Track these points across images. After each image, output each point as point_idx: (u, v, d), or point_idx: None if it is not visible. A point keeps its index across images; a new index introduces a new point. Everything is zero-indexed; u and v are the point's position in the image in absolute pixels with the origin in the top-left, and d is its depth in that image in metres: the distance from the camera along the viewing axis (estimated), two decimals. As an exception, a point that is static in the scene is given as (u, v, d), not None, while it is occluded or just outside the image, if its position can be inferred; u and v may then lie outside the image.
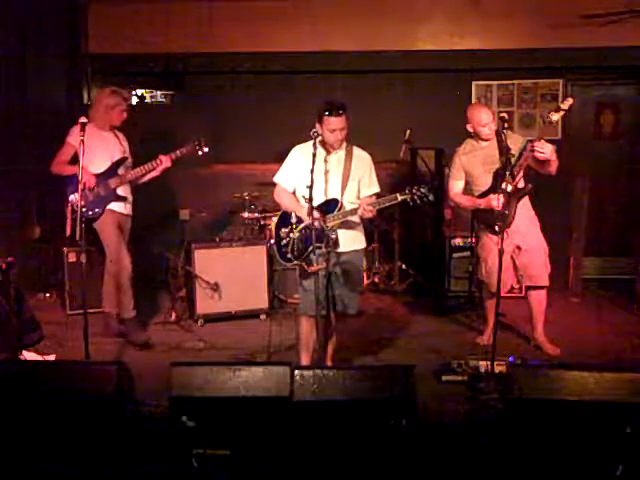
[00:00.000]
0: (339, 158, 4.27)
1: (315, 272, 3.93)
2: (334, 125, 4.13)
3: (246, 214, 6.26)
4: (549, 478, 3.07)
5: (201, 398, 3.10)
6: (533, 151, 4.48)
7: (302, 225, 4.17)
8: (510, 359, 4.44)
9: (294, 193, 4.35)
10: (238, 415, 3.10)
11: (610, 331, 5.37)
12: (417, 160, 6.72)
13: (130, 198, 5.24)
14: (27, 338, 4.95)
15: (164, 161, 5.13)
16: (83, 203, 4.62)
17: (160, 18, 6.89)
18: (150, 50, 6.92)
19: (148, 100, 7.92)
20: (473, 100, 7.23)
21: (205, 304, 5.74)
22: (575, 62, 6.99)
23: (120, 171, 5.14)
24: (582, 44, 6.76)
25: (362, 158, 4.34)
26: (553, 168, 4.61)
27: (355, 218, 4.27)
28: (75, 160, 4.88)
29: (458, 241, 6.35)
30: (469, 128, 4.86)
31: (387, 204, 4.18)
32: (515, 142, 4.67)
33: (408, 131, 6.51)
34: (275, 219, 4.52)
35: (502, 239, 4.19)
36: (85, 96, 6.93)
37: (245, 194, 6.31)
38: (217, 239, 5.94)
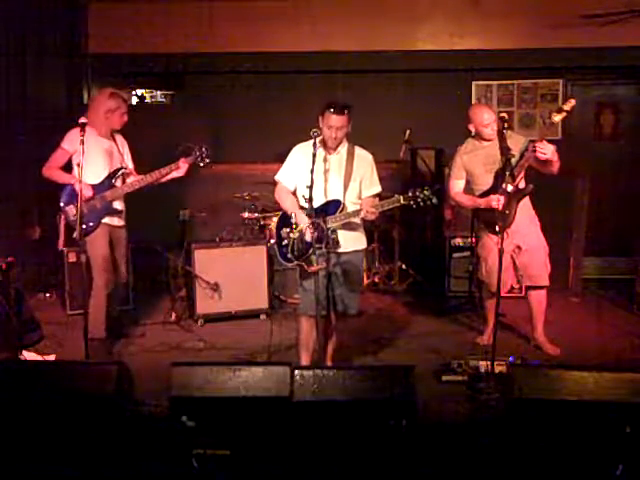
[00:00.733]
0: (340, 158, 4.27)
1: (315, 272, 3.93)
2: (332, 122, 4.13)
3: (246, 214, 6.26)
4: (549, 478, 3.08)
5: (201, 398, 3.10)
6: (535, 151, 4.49)
7: (302, 225, 4.16)
8: (510, 359, 4.44)
9: (295, 192, 4.35)
10: (238, 415, 3.10)
11: (610, 331, 5.37)
12: (417, 160, 6.73)
13: (124, 208, 5.02)
14: (27, 338, 4.95)
15: (178, 170, 4.96)
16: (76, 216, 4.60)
17: (160, 18, 6.89)
18: (150, 50, 6.93)
19: (148, 100, 7.93)
20: (473, 100, 7.23)
21: (205, 304, 5.74)
22: (575, 62, 6.99)
23: (117, 182, 4.91)
24: (582, 44, 6.76)
25: (364, 158, 4.34)
26: (555, 168, 4.62)
27: (356, 219, 4.27)
28: (67, 166, 4.79)
29: (458, 241, 6.35)
30: (471, 128, 4.86)
31: (390, 206, 4.18)
32: (516, 142, 4.67)
33: (408, 131, 6.52)
34: (275, 219, 4.52)
35: (502, 239, 4.19)
36: (85, 96, 6.93)
37: (245, 194, 6.32)
38: (217, 239, 5.93)
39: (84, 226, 4.61)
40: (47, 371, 3.39)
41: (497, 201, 4.68)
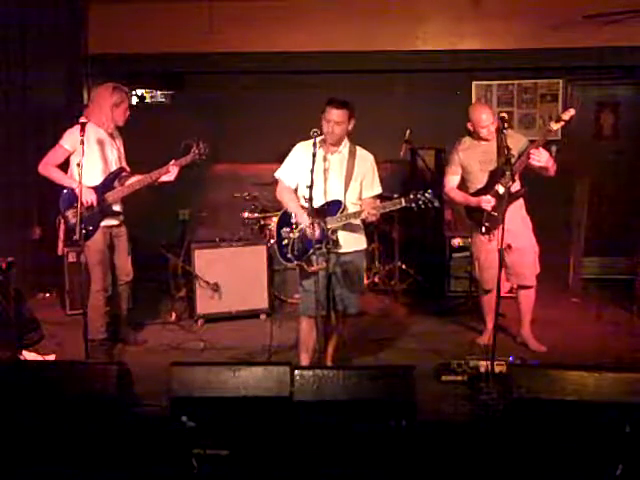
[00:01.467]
0: (342, 158, 4.27)
1: (315, 272, 3.94)
2: (331, 116, 4.14)
3: (246, 214, 6.26)
4: (549, 478, 3.08)
5: (201, 398, 3.10)
6: (529, 158, 4.56)
7: (302, 226, 4.17)
8: (510, 359, 4.45)
9: (296, 190, 4.35)
10: (238, 415, 3.10)
11: (610, 331, 5.38)
12: (417, 160, 6.72)
13: (121, 208, 4.94)
14: (27, 338, 4.96)
15: (168, 174, 4.89)
16: (76, 221, 4.54)
17: (160, 18, 6.90)
18: (150, 50, 6.93)
19: (148, 100, 7.93)
20: (473, 100, 7.23)
21: (205, 304, 5.74)
22: (575, 62, 6.99)
23: (117, 183, 4.82)
24: (582, 44, 6.77)
25: (365, 158, 4.34)
26: (551, 172, 4.69)
27: (357, 220, 4.27)
28: (64, 165, 4.71)
29: (458, 241, 6.35)
30: (469, 126, 4.87)
31: (392, 208, 4.17)
32: (516, 141, 4.68)
33: (408, 131, 6.50)
34: (275, 219, 4.52)
35: (502, 239, 4.19)
36: (85, 96, 6.93)
37: (245, 194, 6.32)
38: (217, 239, 5.93)
39: (83, 230, 4.50)
40: (47, 371, 3.39)
41: (487, 202, 4.74)
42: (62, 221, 4.70)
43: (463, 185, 5.01)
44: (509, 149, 4.29)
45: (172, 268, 6.11)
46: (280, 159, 4.44)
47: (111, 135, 4.88)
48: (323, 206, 4.16)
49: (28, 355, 4.69)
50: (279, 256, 4.37)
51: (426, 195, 4.05)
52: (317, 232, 3.95)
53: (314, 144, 3.94)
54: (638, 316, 5.78)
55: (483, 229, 4.83)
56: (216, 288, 5.73)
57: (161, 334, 5.52)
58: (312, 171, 3.88)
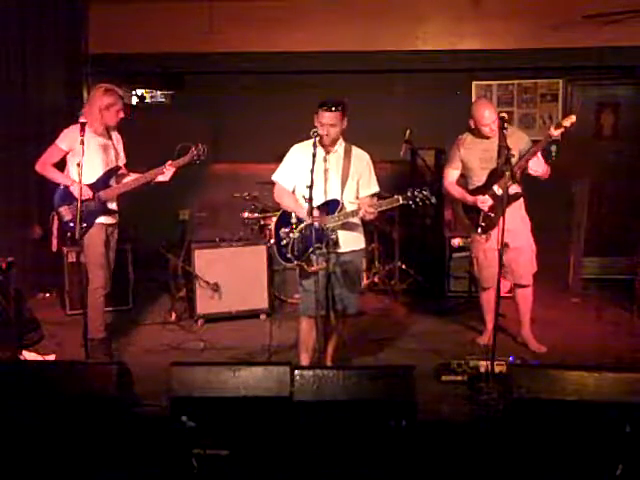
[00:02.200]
0: (337, 157, 4.27)
1: (315, 272, 3.94)
2: (324, 119, 4.15)
3: (246, 214, 6.26)
4: (549, 478, 3.08)
5: (201, 398, 3.10)
6: (527, 164, 4.61)
7: (302, 225, 4.16)
8: (510, 359, 4.45)
9: (293, 192, 4.35)
10: (238, 415, 3.10)
11: (610, 331, 5.38)
12: (417, 160, 6.72)
13: (116, 207, 4.93)
14: (27, 338, 4.96)
15: (163, 175, 4.85)
16: (70, 217, 4.61)
17: (160, 18, 6.90)
18: (150, 50, 6.93)
19: (148, 100, 7.93)
20: (473, 100, 7.23)
21: (205, 304, 5.74)
22: (575, 62, 6.99)
23: (112, 182, 4.82)
24: (582, 44, 6.76)
25: (361, 157, 4.34)
26: (543, 178, 4.71)
27: (355, 219, 4.27)
28: (61, 164, 4.74)
29: (458, 241, 6.35)
30: (470, 123, 4.86)
31: (389, 206, 4.17)
32: (517, 140, 4.68)
33: (408, 131, 6.50)
34: (275, 219, 4.52)
35: (502, 239, 4.20)
36: (85, 96, 6.92)
37: (245, 194, 6.32)
38: (217, 239, 5.93)
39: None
40: (47, 371, 3.38)
41: (483, 203, 4.76)
42: (55, 217, 4.71)
43: (463, 181, 5.01)
44: (509, 149, 4.30)
45: (172, 268, 6.10)
46: (280, 159, 4.44)
47: (105, 135, 4.82)
48: (321, 205, 4.16)
49: (28, 355, 4.69)
50: (278, 257, 4.37)
51: (423, 192, 4.06)
52: (316, 232, 3.95)
53: (314, 144, 3.94)
54: (638, 316, 5.78)
55: (479, 229, 4.86)
56: (216, 288, 5.73)
57: (161, 334, 5.52)
58: (312, 171, 3.88)
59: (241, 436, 3.07)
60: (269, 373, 3.13)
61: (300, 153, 4.30)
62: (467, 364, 4.39)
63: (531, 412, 3.10)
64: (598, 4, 6.57)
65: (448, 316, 5.89)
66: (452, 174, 4.99)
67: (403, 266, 6.65)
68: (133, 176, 4.90)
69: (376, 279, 6.66)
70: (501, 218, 4.48)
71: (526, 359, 4.64)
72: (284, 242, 4.25)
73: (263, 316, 5.85)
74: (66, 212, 4.66)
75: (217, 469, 3.05)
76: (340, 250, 4.21)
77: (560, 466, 3.04)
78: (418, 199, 4.06)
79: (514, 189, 4.71)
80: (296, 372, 3.11)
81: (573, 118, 4.58)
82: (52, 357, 4.71)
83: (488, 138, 4.79)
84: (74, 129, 4.63)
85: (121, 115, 4.82)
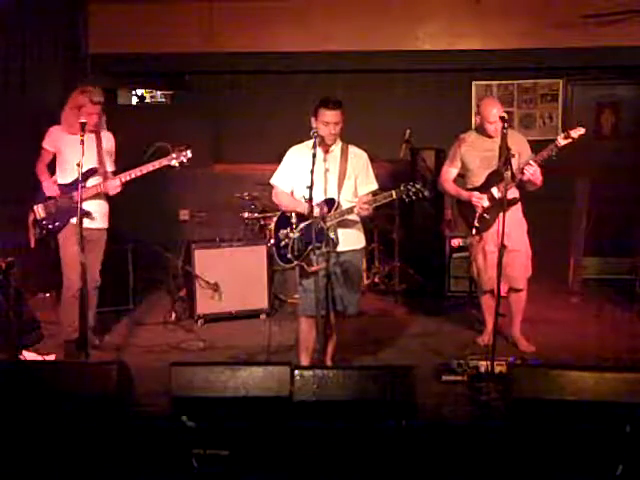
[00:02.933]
0: (335, 157, 4.28)
1: (315, 272, 3.94)
2: (328, 118, 4.15)
3: (246, 214, 6.26)
4: (549, 478, 3.08)
5: (201, 398, 3.10)
6: (522, 173, 4.62)
7: (302, 225, 4.17)
8: (510, 359, 4.45)
9: (292, 194, 4.36)
10: (238, 415, 3.10)
11: (610, 331, 5.37)
12: (417, 160, 6.72)
13: (102, 210, 4.82)
14: (27, 338, 4.96)
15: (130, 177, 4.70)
16: (44, 215, 4.64)
17: (160, 18, 6.90)
18: (150, 50, 6.93)
19: (148, 100, 7.93)
20: (473, 100, 7.25)
21: (205, 304, 5.74)
22: (575, 62, 6.99)
23: (89, 182, 4.68)
24: (582, 44, 6.77)
25: (358, 156, 4.35)
26: (537, 184, 4.71)
27: (354, 217, 4.28)
28: (54, 163, 4.78)
29: (458, 241, 6.35)
30: (476, 120, 4.86)
31: (383, 201, 4.20)
32: (517, 142, 4.68)
33: (408, 131, 6.52)
34: (275, 219, 4.52)
35: (502, 239, 4.20)
36: (85, 96, 6.92)
37: (245, 194, 6.32)
38: (217, 239, 5.94)
39: (50, 225, 4.70)
40: (47, 371, 3.38)
41: (479, 199, 4.74)
42: (30, 214, 4.75)
43: (461, 181, 5.01)
44: (509, 149, 4.30)
45: (172, 268, 6.11)
46: (280, 159, 4.44)
47: (84, 135, 4.53)
48: (319, 203, 4.16)
49: (28, 355, 4.69)
50: (278, 259, 4.36)
51: (416, 186, 4.10)
52: (316, 231, 3.95)
53: (314, 145, 3.95)
54: (638, 316, 5.78)
55: (473, 230, 4.87)
56: (216, 288, 5.74)
57: (161, 334, 5.52)
58: (312, 171, 3.88)
59: (241, 436, 3.07)
60: (269, 373, 3.12)
61: (297, 155, 4.31)
62: (467, 364, 4.39)
63: (531, 412, 3.09)
64: (598, 4, 6.58)
65: (448, 316, 5.89)
66: (449, 172, 5.00)
67: (403, 266, 6.65)
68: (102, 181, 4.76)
69: (376, 279, 6.67)
70: (496, 220, 4.50)
71: (526, 359, 4.63)
72: (283, 243, 4.25)
73: (263, 316, 5.85)
74: (38, 210, 4.72)
75: (217, 469, 3.05)
76: (340, 249, 4.21)
77: (560, 466, 3.04)
78: (411, 192, 4.09)
79: (512, 193, 4.68)
80: (296, 372, 3.10)
81: (582, 130, 4.54)
82: (52, 357, 4.71)
83: (491, 138, 4.78)
84: (55, 129, 4.77)
85: (95, 119, 4.65)
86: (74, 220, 4.62)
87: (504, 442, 3.20)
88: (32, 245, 4.85)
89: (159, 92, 7.92)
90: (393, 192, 4.12)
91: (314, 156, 3.91)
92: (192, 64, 7.14)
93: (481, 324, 5.27)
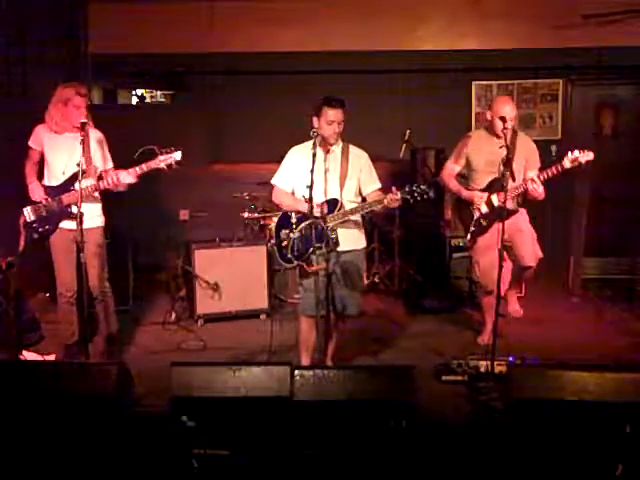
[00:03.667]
0: (335, 157, 4.28)
1: (315, 272, 3.94)
2: (332, 117, 4.16)
3: (246, 214, 6.25)
4: (549, 478, 3.08)
5: (201, 398, 3.10)
6: (527, 187, 4.64)
7: (303, 225, 4.18)
8: (510, 359, 4.45)
9: (292, 193, 4.36)
10: (238, 415, 3.10)
11: (610, 331, 5.38)
12: (417, 160, 6.72)
13: (94, 209, 4.61)
14: (27, 338, 4.96)
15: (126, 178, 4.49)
16: (34, 218, 4.54)
17: (160, 18, 6.90)
18: (150, 50, 6.93)
19: (148, 100, 7.93)
20: (473, 100, 7.25)
21: (205, 304, 5.74)
22: (575, 62, 7.00)
23: (76, 185, 4.27)
24: (582, 44, 6.77)
25: (358, 156, 4.36)
26: (539, 198, 4.73)
27: (356, 218, 4.28)
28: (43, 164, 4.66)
29: (458, 241, 6.35)
30: (488, 116, 4.84)
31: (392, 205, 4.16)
32: (528, 148, 4.76)
33: (408, 131, 6.52)
34: (275, 219, 4.53)
35: (502, 240, 4.21)
36: (85, 96, 6.92)
37: (245, 194, 6.31)
38: (217, 239, 5.93)
39: (41, 229, 4.56)
40: (47, 371, 3.39)
41: (480, 198, 4.80)
42: (21, 217, 4.63)
43: (463, 181, 5.02)
44: (509, 148, 4.30)
45: (172, 268, 6.11)
46: (280, 159, 4.44)
47: (72, 135, 4.50)
48: (321, 204, 4.16)
49: (28, 355, 4.69)
50: (278, 258, 4.36)
51: (421, 187, 4.08)
52: (316, 231, 3.95)
53: (314, 144, 3.95)
54: (638, 316, 5.78)
55: (469, 235, 4.90)
56: (216, 288, 5.74)
57: (161, 334, 5.52)
58: (312, 171, 3.89)
59: (241, 436, 3.07)
60: (269, 373, 3.13)
61: (298, 155, 4.31)
62: (467, 364, 4.39)
63: (531, 412, 3.10)
64: (598, 4, 6.58)
65: (448, 316, 5.88)
66: (453, 168, 5.00)
67: (403, 266, 6.65)
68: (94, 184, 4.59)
69: (376, 279, 6.66)
70: (493, 226, 4.51)
71: (526, 359, 4.63)
72: (284, 243, 4.26)
73: (263, 316, 5.85)
74: (29, 213, 4.59)
75: (217, 469, 3.05)
76: (340, 249, 4.21)
77: (560, 466, 3.04)
78: (416, 194, 4.07)
79: (511, 205, 4.70)
80: (296, 372, 3.11)
81: (591, 156, 4.54)
82: (52, 357, 4.71)
83: (499, 138, 4.69)
84: (40, 128, 4.64)
85: (82, 113, 4.42)
86: (63, 224, 4.53)
87: (504, 442, 3.20)
88: (21, 248, 4.72)
89: (159, 92, 7.91)
90: (399, 192, 4.11)
91: (314, 155, 3.91)
92: (192, 64, 7.14)
93: (481, 324, 5.27)
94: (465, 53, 6.96)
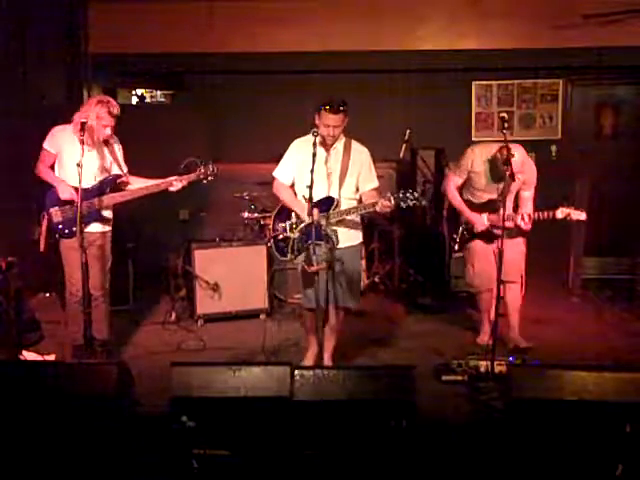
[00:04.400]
0: (337, 153, 4.30)
1: (316, 272, 3.95)
2: (330, 121, 4.15)
3: (246, 214, 6.26)
4: (549, 478, 3.08)
5: (201, 398, 3.10)
6: (516, 221, 4.72)
7: (302, 225, 4.19)
8: (510, 359, 4.45)
9: (293, 186, 4.39)
10: (238, 415, 3.10)
11: (610, 331, 5.38)
12: (417, 160, 6.73)
13: (111, 214, 4.70)
14: (27, 338, 4.96)
15: (172, 187, 4.67)
16: (61, 219, 4.47)
17: (160, 18, 6.90)
18: (150, 50, 6.93)
19: (148, 100, 7.93)
20: (473, 100, 7.26)
21: (205, 304, 5.74)
22: (575, 62, 7.00)
23: (109, 190, 4.57)
24: (582, 44, 6.77)
25: (360, 152, 4.37)
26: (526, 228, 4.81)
27: (352, 216, 4.29)
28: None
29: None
30: (498, 151, 4.76)
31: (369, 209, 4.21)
32: (528, 170, 4.77)
33: (408, 131, 6.52)
34: (274, 212, 4.56)
35: (502, 241, 4.21)
36: (85, 96, 6.92)
37: (245, 194, 6.31)
38: (217, 239, 5.93)
39: (67, 230, 4.48)
40: (47, 371, 3.38)
41: (481, 226, 4.88)
42: (46, 218, 4.54)
43: (469, 185, 5.02)
44: (509, 149, 4.30)
45: (172, 268, 6.10)
46: (280, 159, 4.45)
47: (96, 144, 4.57)
48: (317, 203, 4.18)
49: (28, 355, 4.69)
50: (275, 251, 4.42)
51: (414, 194, 4.08)
52: (317, 221, 3.97)
53: (314, 144, 3.95)
54: (638, 316, 5.78)
55: (455, 245, 5.01)
56: (216, 288, 5.73)
57: (161, 334, 5.52)
58: (312, 171, 3.89)
59: (241, 436, 3.07)
60: (269, 373, 3.13)
61: (300, 148, 4.33)
62: (467, 364, 4.39)
63: (531, 412, 3.10)
64: (598, 4, 6.58)
65: (448, 316, 5.88)
66: (455, 180, 5.00)
67: (403, 266, 6.65)
68: (136, 186, 4.69)
69: (376, 279, 6.66)
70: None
71: (526, 359, 4.63)
72: (281, 237, 4.31)
73: (263, 316, 5.85)
74: (56, 214, 4.51)
75: (217, 469, 3.06)
76: (337, 246, 4.24)
77: (560, 466, 3.04)
78: (410, 200, 4.07)
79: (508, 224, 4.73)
80: (296, 372, 3.11)
81: (583, 216, 4.69)
82: (52, 357, 4.71)
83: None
84: (59, 129, 4.58)
85: (108, 132, 4.55)
86: (89, 228, 4.50)
87: (504, 442, 3.20)
88: (42, 249, 4.64)
89: (159, 92, 7.91)
90: (392, 197, 4.09)
91: (314, 155, 3.92)
92: (192, 64, 7.14)
93: (479, 324, 5.27)
94: (465, 53, 6.96)
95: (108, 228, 4.72)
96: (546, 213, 4.70)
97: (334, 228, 4.21)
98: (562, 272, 6.49)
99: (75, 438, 3.11)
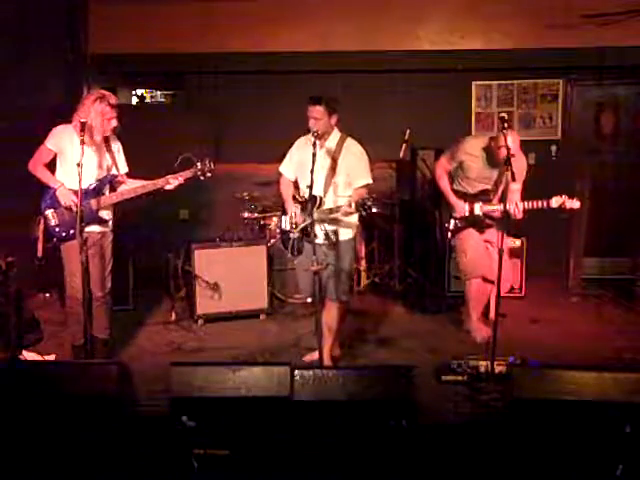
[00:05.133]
0: (329, 151, 4.34)
1: (316, 272, 3.96)
2: (310, 112, 4.32)
3: (246, 214, 6.26)
4: (549, 478, 3.08)
5: (201, 398, 3.10)
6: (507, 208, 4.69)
7: (302, 225, 4.21)
8: (510, 359, 4.45)
9: (296, 182, 4.51)
10: (238, 415, 3.10)
11: (610, 331, 5.38)
12: (417, 160, 6.73)
13: (111, 213, 4.66)
14: (27, 338, 4.96)
15: (168, 185, 4.60)
16: (57, 222, 4.39)
17: (160, 18, 6.90)
18: (150, 50, 6.93)
19: (148, 100, 7.93)
20: (473, 100, 7.25)
21: (205, 304, 5.74)
22: (575, 62, 7.00)
23: (106, 190, 4.54)
24: (582, 44, 6.77)
25: (351, 150, 4.41)
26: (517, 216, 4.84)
27: (337, 215, 4.35)
28: (52, 164, 4.55)
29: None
30: (491, 142, 4.89)
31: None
32: (519, 167, 4.71)
33: (408, 131, 6.52)
34: (275, 219, 4.61)
35: (502, 239, 4.21)
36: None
37: (245, 194, 6.32)
38: (217, 239, 5.93)
39: (64, 233, 4.42)
40: (47, 371, 3.39)
41: (461, 210, 5.01)
42: (42, 221, 4.51)
43: (457, 171, 5.09)
44: (509, 149, 4.30)
45: (172, 268, 6.10)
46: (280, 159, 4.48)
47: (98, 142, 4.53)
48: (304, 202, 4.26)
49: (28, 355, 4.70)
50: (280, 243, 4.69)
51: (368, 203, 4.06)
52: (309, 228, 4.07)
53: (314, 144, 3.97)
54: (638, 316, 5.78)
55: (449, 234, 5.11)
56: (216, 288, 5.73)
57: (161, 334, 5.52)
58: (312, 171, 3.91)
59: (241, 436, 3.07)
60: (269, 373, 3.13)
61: (301, 144, 4.47)
62: (467, 364, 4.39)
63: (531, 412, 3.10)
64: (598, 4, 6.58)
65: (448, 316, 5.88)
66: (446, 165, 5.11)
67: (403, 266, 6.65)
68: (132, 185, 4.63)
69: (376, 279, 6.66)
70: (495, 233, 4.58)
71: (526, 359, 4.63)
72: (285, 228, 4.53)
73: (263, 316, 5.85)
74: (53, 216, 4.44)
75: (217, 469, 3.06)
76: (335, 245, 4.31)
77: (560, 466, 3.04)
78: (367, 206, 4.07)
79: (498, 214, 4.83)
80: (296, 372, 3.11)
81: (577, 204, 4.74)
82: (52, 357, 4.71)
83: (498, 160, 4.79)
84: (62, 129, 4.52)
85: (114, 124, 4.51)
86: (88, 228, 4.39)
87: (504, 442, 3.20)
88: (39, 254, 4.69)
89: (159, 92, 7.91)
90: (353, 204, 4.14)
91: (314, 155, 3.95)
92: (192, 64, 7.14)
93: (467, 316, 5.26)
94: (465, 53, 6.96)
95: (108, 229, 4.68)
96: (540, 202, 4.77)
97: (332, 228, 4.23)
98: (562, 272, 6.49)
99: (75, 438, 3.11)
